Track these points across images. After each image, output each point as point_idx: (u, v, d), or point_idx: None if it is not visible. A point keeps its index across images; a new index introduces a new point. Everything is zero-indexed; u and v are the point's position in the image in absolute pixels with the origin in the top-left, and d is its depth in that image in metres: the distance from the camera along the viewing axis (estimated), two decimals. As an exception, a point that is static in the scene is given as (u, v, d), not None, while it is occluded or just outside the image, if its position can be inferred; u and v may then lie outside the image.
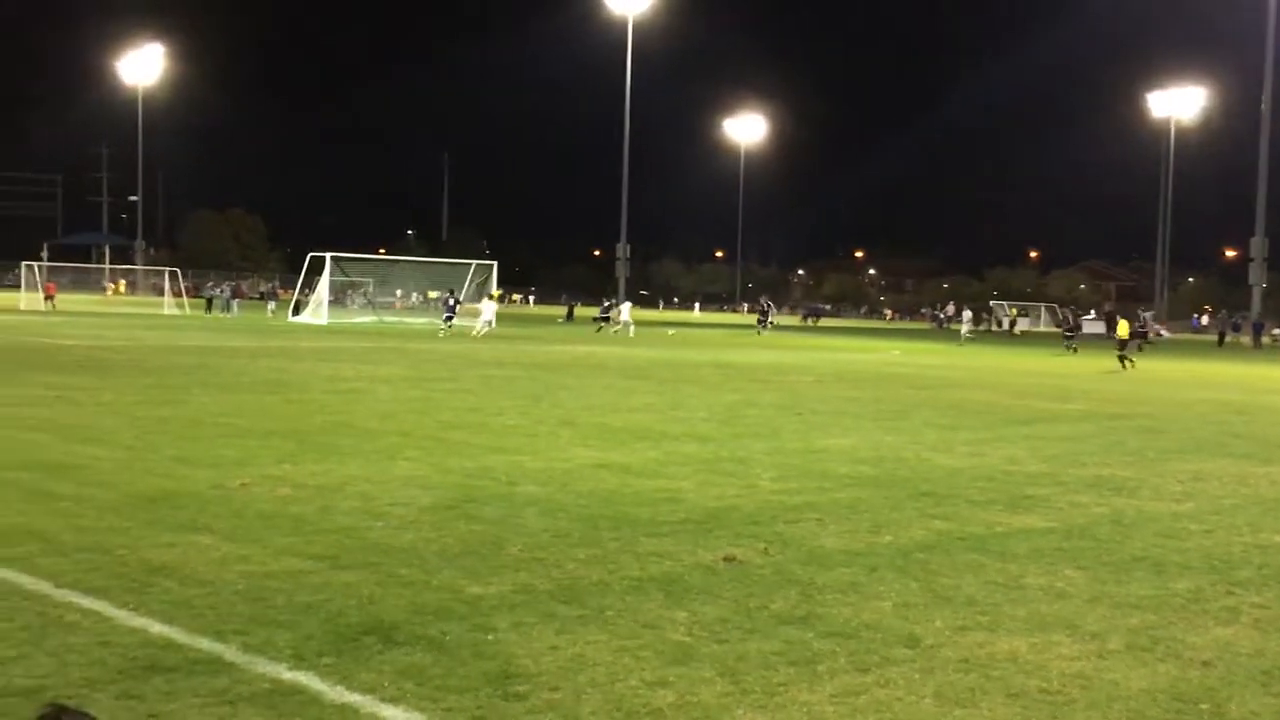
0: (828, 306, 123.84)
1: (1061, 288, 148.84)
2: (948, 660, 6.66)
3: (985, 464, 14.51)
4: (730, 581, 8.23)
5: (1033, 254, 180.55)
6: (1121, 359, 39.69)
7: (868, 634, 7.10)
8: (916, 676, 6.37)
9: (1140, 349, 54.33)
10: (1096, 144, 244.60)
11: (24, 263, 72.67)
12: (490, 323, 49.35)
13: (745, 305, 79.57)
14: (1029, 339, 76.44)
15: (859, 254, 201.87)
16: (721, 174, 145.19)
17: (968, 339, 59.51)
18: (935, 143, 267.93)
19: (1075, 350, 52.21)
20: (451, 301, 54.72)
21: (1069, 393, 27.51)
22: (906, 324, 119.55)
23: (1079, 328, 60.79)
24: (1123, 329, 42.70)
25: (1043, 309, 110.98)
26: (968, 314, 65.98)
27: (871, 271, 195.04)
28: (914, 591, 8.17)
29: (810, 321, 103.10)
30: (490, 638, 6.72)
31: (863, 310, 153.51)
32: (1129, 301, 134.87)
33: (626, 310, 59.25)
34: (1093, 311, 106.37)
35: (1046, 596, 8.19)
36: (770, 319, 70.85)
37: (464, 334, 47.80)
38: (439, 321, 58.26)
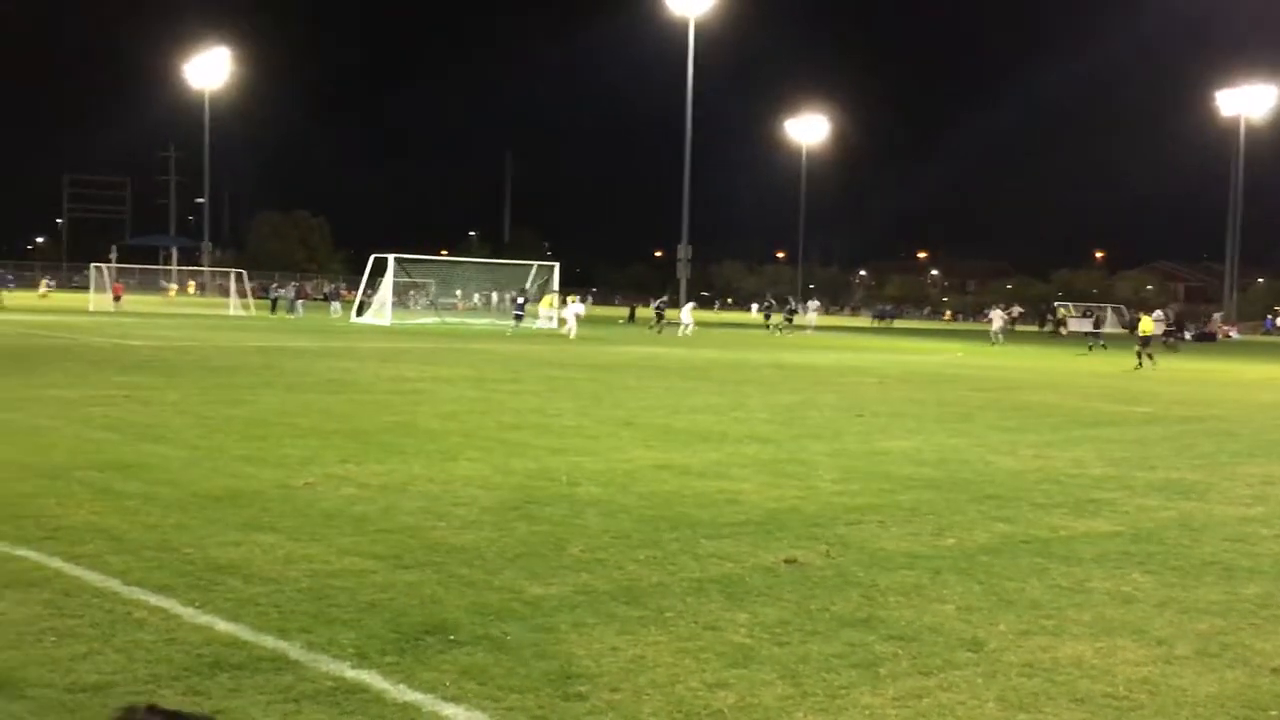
0: (889, 308, 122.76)
1: (1129, 289, 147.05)
2: (1011, 664, 6.60)
3: (1050, 467, 14.37)
4: (791, 583, 8.20)
5: (1098, 254, 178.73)
6: (1140, 355, 39.65)
7: (930, 637, 7.05)
8: (979, 680, 6.31)
9: (1174, 348, 53.80)
10: (1165, 143, 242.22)
11: (93, 264, 73.72)
12: (578, 315, 50.76)
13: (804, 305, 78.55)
14: (1064, 339, 75.29)
15: (922, 255, 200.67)
16: (783, 174, 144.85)
17: (998, 339, 58.54)
18: (1000, 142, 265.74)
19: (1105, 347, 52.16)
20: (521, 300, 55.12)
21: (1136, 395, 27.19)
22: (970, 325, 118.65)
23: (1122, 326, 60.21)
24: (1145, 326, 42.48)
25: (1109, 310, 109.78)
26: (997, 313, 65.09)
27: (934, 272, 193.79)
28: (977, 595, 8.11)
29: (882, 323, 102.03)
30: (551, 638, 6.74)
31: (925, 311, 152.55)
32: (1199, 302, 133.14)
33: (688, 311, 59.57)
34: (1158, 312, 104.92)
35: (1112, 601, 8.10)
36: (773, 317, 68.44)
37: (529, 335, 47.96)
38: (501, 322, 58.68)
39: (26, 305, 63.38)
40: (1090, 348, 52.44)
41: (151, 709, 2.62)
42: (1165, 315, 66.81)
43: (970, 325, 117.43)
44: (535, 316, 60.85)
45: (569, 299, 54.30)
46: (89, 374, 22.35)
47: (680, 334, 54.74)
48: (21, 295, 76.16)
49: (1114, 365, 40.42)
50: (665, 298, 68.14)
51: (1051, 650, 6.89)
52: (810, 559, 8.95)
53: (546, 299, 60.92)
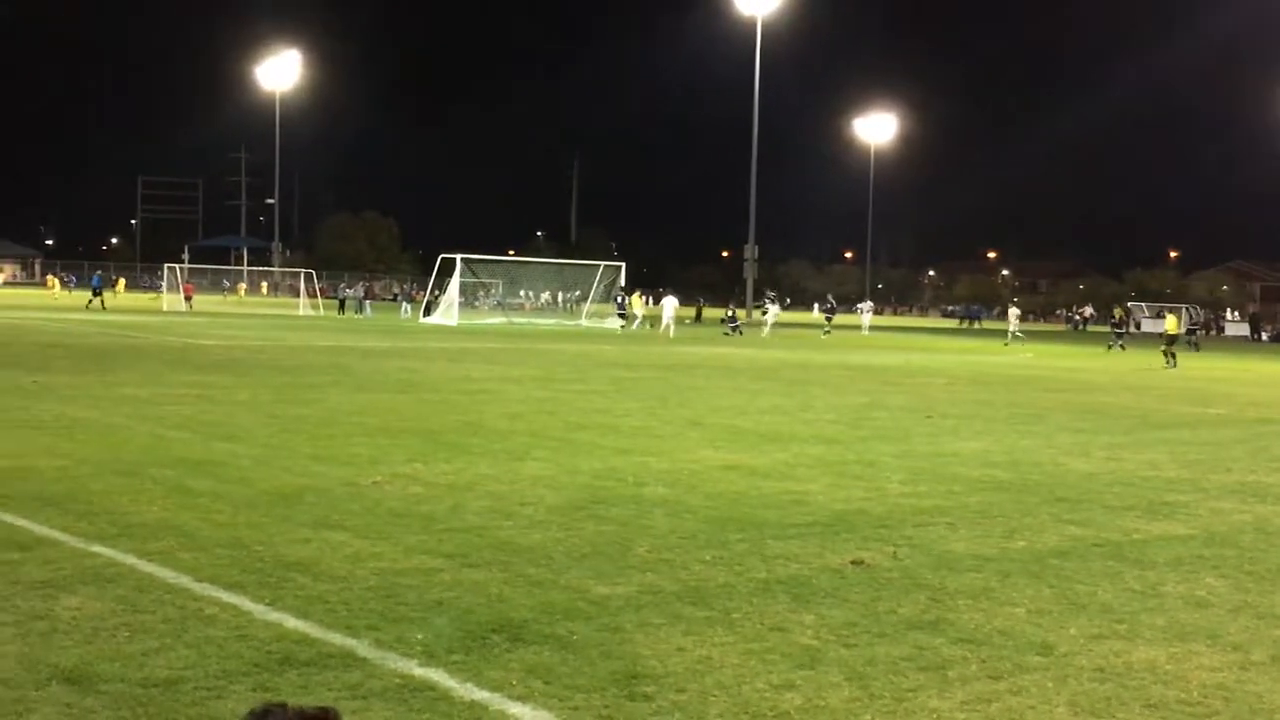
0: (975, 306, 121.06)
1: (1203, 289, 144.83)
2: (1082, 669, 6.51)
3: (1123, 469, 14.19)
4: (858, 585, 8.15)
5: (1173, 254, 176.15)
6: (1166, 354, 39.66)
7: (999, 641, 6.97)
8: (1050, 685, 6.24)
9: (1197, 348, 53.04)
10: (1242, 140, 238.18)
11: (166, 265, 74.78)
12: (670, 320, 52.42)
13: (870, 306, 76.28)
14: (1084, 337, 73.91)
15: (992, 254, 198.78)
16: (851, 174, 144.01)
17: (1016, 338, 57.23)
18: (1072, 139, 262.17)
19: (1124, 348, 51.38)
20: (621, 299, 55.46)
21: (1210, 396, 26.79)
22: (1040, 325, 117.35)
23: (1126, 325, 59.04)
24: (1170, 325, 42.20)
25: (1184, 309, 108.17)
26: (1015, 312, 63.94)
27: (1005, 272, 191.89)
28: (1047, 598, 8.02)
29: (967, 324, 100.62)
30: (617, 638, 6.74)
31: (995, 312, 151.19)
32: (1275, 302, 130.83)
33: (774, 312, 59.30)
34: (1234, 312, 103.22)
35: (1186, 605, 7.98)
36: (771, 317, 65.95)
37: (599, 335, 48.02)
38: (568, 323, 58.98)
39: (128, 306, 64.35)
40: (1110, 347, 51.68)
41: (295, 710, 2.63)
42: (1190, 315, 65.76)
43: (1041, 326, 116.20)
44: (601, 316, 61.15)
45: (662, 296, 55.21)
46: (163, 373, 22.66)
47: (764, 334, 54.65)
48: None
49: (1128, 364, 39.79)
50: (732, 307, 66.97)
51: (1124, 655, 6.79)
52: (878, 561, 8.89)
53: (635, 298, 61.81)
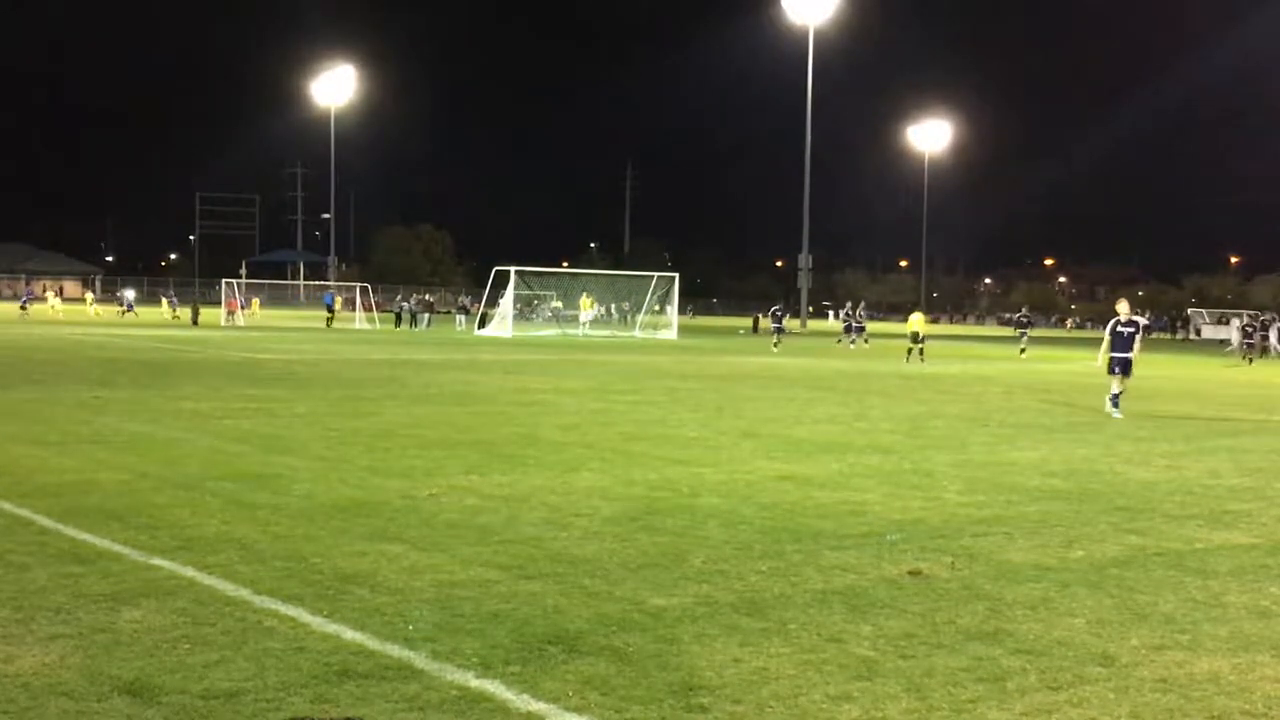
0: (1008, 316, 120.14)
1: (1267, 294, 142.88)
2: (1144, 680, 6.44)
3: (1184, 477, 14.02)
4: (916, 596, 8.09)
5: (1233, 259, 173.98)
6: (909, 352, 41.63)
7: (1059, 651, 6.91)
8: (1111, 696, 6.17)
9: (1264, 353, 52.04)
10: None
11: (224, 280, 75.69)
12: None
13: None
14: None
15: (1049, 261, 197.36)
16: (905, 181, 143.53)
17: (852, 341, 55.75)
18: (1130, 143, 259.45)
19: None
20: (779, 311, 55.53)
21: (1274, 404, 26.42)
22: (1096, 333, 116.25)
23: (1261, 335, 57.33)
24: (913, 324, 43.28)
25: (1243, 316, 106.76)
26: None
27: (1062, 279, 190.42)
28: (1108, 608, 7.93)
29: (1178, 337, 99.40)
30: (673, 649, 6.73)
31: (1053, 320, 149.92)
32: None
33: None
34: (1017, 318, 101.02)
35: (1250, 615, 7.87)
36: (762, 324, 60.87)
37: (652, 345, 47.95)
38: (621, 334, 59.07)
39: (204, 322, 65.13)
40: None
41: None
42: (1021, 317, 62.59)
43: (1097, 334, 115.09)
44: (655, 328, 61.17)
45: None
46: (221, 387, 22.88)
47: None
48: (157, 312, 78.32)
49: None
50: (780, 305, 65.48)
51: (1187, 666, 6.71)
52: (935, 571, 8.83)
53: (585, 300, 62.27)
